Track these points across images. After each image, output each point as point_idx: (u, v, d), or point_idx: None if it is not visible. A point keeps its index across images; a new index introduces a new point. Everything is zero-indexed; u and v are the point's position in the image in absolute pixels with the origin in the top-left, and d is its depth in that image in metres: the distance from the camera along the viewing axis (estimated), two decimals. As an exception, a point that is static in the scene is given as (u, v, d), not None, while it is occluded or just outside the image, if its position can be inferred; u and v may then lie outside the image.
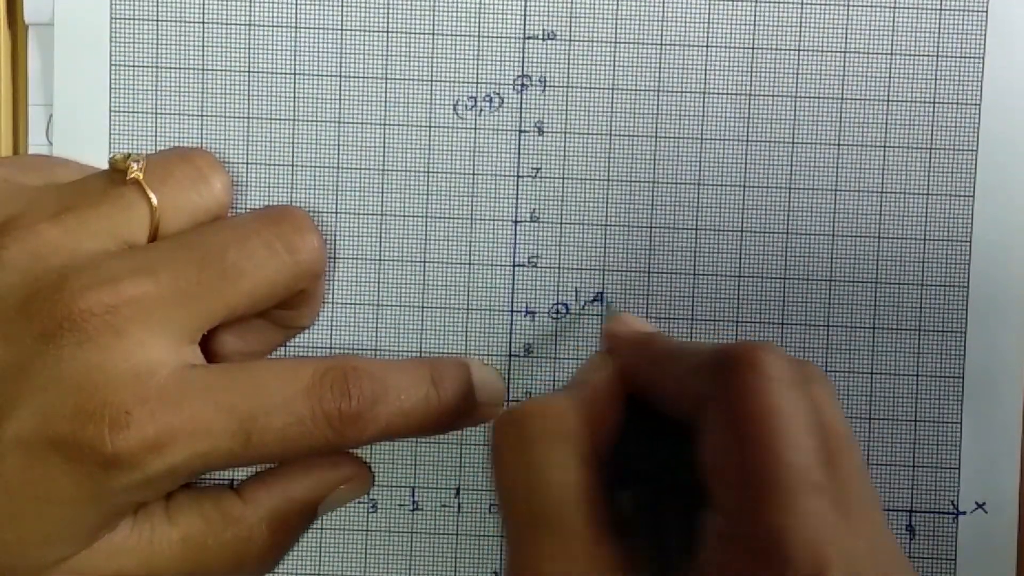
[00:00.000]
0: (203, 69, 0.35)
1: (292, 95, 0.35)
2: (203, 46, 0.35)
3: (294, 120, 0.35)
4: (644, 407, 0.29)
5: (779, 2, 0.35)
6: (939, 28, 0.35)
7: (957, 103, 0.35)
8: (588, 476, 0.27)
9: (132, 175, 0.31)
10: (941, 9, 0.35)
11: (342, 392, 0.30)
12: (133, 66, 0.35)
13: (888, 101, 0.35)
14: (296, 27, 0.35)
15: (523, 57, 0.35)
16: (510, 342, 0.36)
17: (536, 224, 0.35)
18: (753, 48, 0.35)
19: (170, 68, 0.35)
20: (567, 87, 0.35)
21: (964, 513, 0.35)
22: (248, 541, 0.32)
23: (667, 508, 0.29)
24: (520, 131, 0.35)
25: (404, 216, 0.35)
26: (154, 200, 0.31)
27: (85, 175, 0.33)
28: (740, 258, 0.35)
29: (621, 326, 0.32)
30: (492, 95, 0.35)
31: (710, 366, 0.27)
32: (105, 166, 0.32)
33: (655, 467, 0.30)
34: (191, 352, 0.31)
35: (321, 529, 0.36)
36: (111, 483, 0.29)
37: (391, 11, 0.35)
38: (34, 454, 0.28)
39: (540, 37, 0.35)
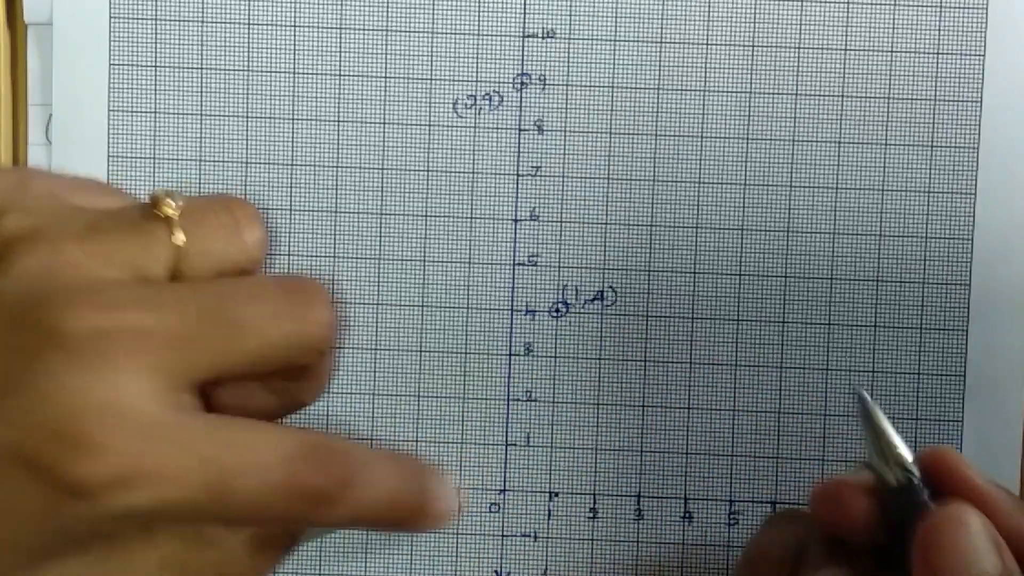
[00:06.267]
0: (202, 68, 0.35)
1: (292, 94, 0.35)
2: (202, 45, 0.35)
3: (293, 119, 0.35)
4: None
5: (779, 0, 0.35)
6: (939, 25, 0.35)
7: (958, 100, 0.35)
8: None
9: (167, 213, 0.31)
10: (941, 6, 0.35)
11: (320, 469, 0.30)
12: (132, 66, 0.35)
13: (889, 99, 0.35)
14: (296, 26, 0.35)
15: (523, 55, 0.35)
16: (510, 341, 0.36)
17: (536, 222, 0.35)
18: (753, 46, 0.35)
19: (169, 67, 0.35)
20: (567, 85, 0.35)
21: (966, 512, 0.35)
22: (229, 563, 0.31)
23: None
24: (520, 129, 0.35)
25: (404, 215, 0.35)
26: (180, 240, 0.31)
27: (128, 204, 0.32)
28: (740, 256, 0.35)
29: (978, 474, 0.29)
30: (492, 93, 0.35)
31: None
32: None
33: None
34: (178, 399, 0.30)
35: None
36: (67, 510, 0.28)
37: (391, 10, 0.35)
38: (1, 465, 0.28)
39: (540, 35, 0.35)
